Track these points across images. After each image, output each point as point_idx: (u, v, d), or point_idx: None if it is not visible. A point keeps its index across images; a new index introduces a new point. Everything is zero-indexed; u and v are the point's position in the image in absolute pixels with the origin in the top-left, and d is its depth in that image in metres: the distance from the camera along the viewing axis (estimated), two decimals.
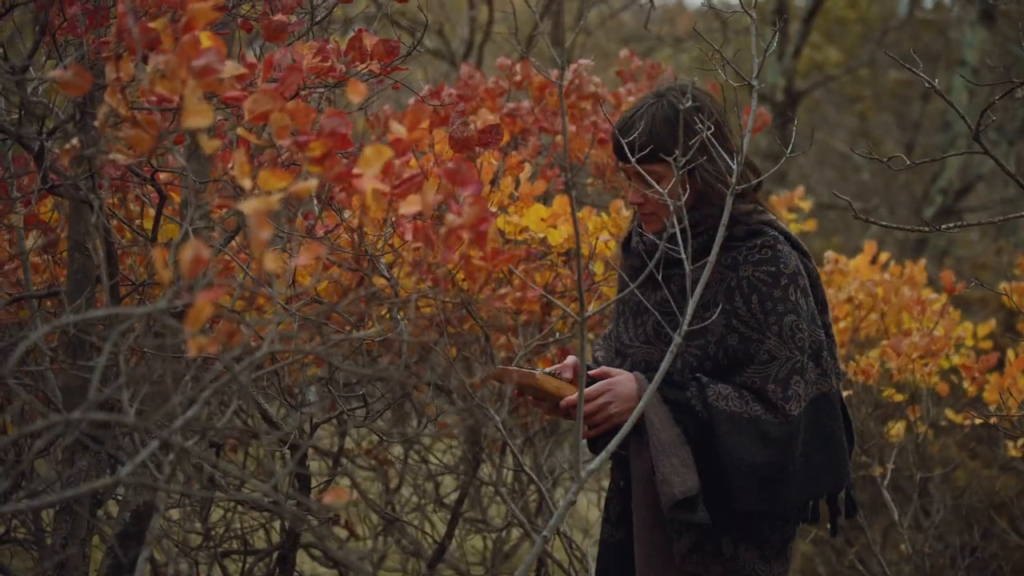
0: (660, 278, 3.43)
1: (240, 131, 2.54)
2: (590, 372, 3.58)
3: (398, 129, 2.66)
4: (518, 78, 5.39)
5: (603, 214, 4.88)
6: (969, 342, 6.38)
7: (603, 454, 3.07)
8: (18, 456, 3.54)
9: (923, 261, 6.81)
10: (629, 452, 3.60)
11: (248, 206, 2.16)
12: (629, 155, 3.50)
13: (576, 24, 11.19)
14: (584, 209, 4.96)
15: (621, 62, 6.22)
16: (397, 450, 6.48)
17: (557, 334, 4.75)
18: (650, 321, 3.65)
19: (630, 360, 3.69)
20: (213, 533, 4.88)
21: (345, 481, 5.90)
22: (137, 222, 4.13)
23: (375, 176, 2.41)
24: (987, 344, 6.38)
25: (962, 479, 7.14)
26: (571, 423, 3.88)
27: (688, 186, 3.51)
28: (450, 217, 2.55)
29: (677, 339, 3.12)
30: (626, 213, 4.85)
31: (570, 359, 3.69)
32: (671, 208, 3.45)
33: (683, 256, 3.16)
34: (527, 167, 4.48)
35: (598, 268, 4.68)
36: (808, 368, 3.56)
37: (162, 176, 3.75)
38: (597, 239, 4.65)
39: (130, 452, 3.54)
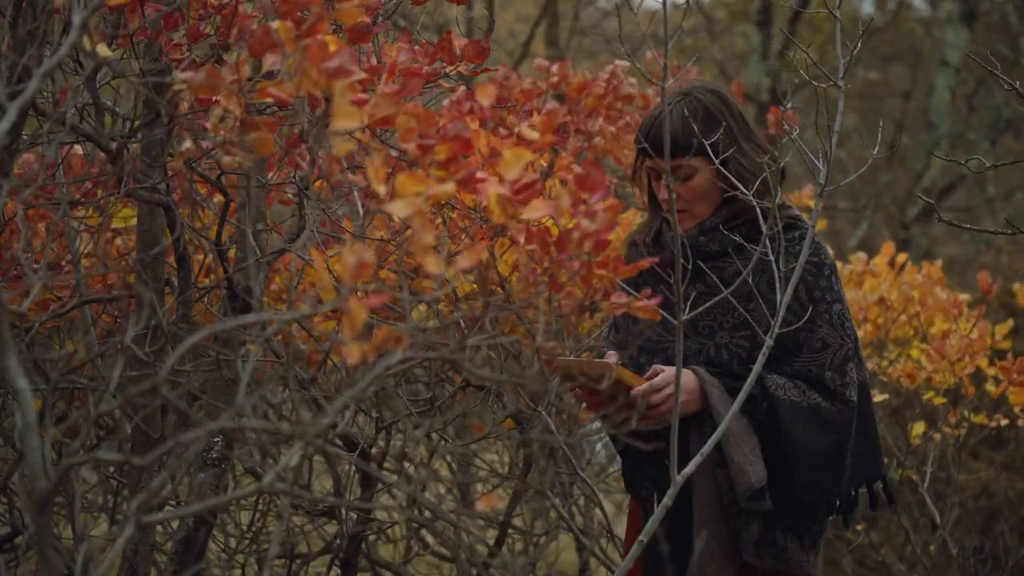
0: (695, 271, 3.46)
1: (360, 136, 2.51)
2: (646, 375, 3.55)
3: (530, 133, 2.64)
4: (555, 79, 5.36)
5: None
6: (988, 342, 6.40)
7: (697, 457, 3.06)
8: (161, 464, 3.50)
9: (939, 262, 6.82)
10: (689, 449, 3.57)
11: (399, 207, 2.14)
12: (681, 149, 3.51)
13: (572, 25, 11.20)
14: (629, 211, 4.94)
15: (647, 63, 6.21)
16: (423, 453, 6.45)
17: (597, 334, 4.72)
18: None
19: (661, 355, 3.68)
20: (258, 537, 4.85)
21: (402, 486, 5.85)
22: (199, 225, 4.09)
23: (507, 180, 2.40)
24: (1006, 344, 6.40)
25: (973, 481, 7.16)
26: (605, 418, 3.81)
27: (718, 182, 3.56)
28: (583, 222, 2.53)
29: (769, 341, 3.13)
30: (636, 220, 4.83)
31: (611, 354, 3.67)
32: (710, 203, 3.51)
33: (717, 249, 3.18)
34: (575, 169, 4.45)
35: None
36: (856, 356, 3.63)
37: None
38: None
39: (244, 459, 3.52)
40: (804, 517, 3.64)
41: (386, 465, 5.72)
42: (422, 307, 4.72)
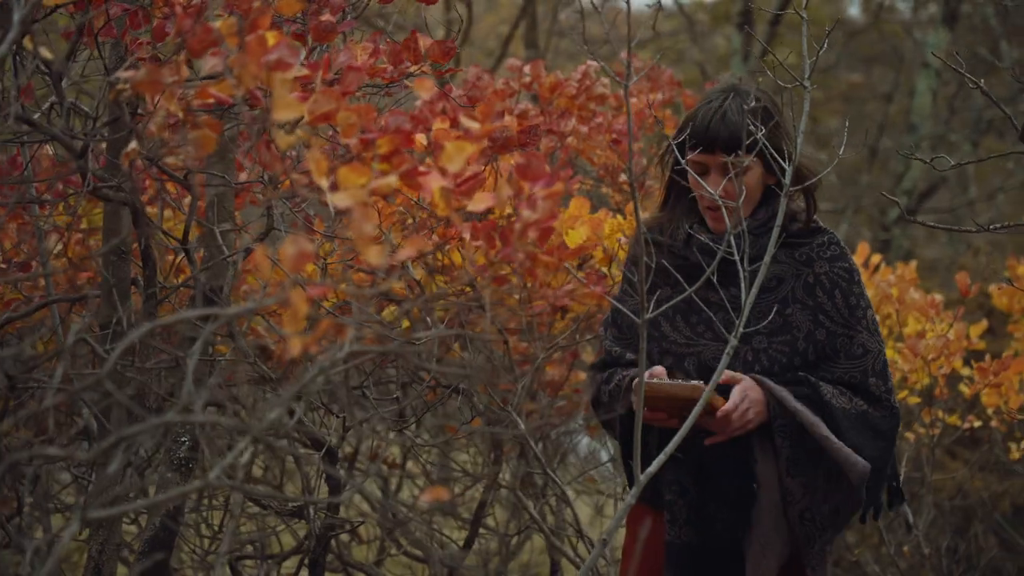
0: (727, 275, 3.42)
1: (302, 133, 2.51)
2: (719, 381, 3.52)
3: (470, 124, 2.63)
4: (527, 79, 5.37)
5: (619, 216, 4.85)
6: (963, 342, 6.40)
7: (661, 456, 3.05)
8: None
9: (914, 262, 6.83)
10: (753, 458, 3.55)
11: (341, 199, 2.14)
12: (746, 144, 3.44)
13: (551, 27, 11.20)
14: (601, 211, 4.94)
15: (621, 63, 6.20)
16: (396, 454, 6.44)
17: (577, 336, 4.73)
18: (718, 319, 3.54)
19: (692, 359, 3.63)
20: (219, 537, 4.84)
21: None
22: (159, 224, 4.08)
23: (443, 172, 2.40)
24: (981, 345, 6.40)
25: (948, 481, 7.18)
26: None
27: (764, 181, 3.53)
28: (525, 212, 2.53)
29: (732, 340, 3.10)
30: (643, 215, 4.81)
31: (657, 368, 3.57)
32: (752, 201, 3.49)
33: (736, 256, 3.14)
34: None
35: (615, 271, 4.65)
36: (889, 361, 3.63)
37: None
38: (617, 242, 4.63)
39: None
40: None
41: (359, 465, 5.72)
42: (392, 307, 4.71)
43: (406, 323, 4.41)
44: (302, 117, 2.37)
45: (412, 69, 3.24)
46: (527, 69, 5.38)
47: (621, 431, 3.76)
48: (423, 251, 2.16)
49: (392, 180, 2.26)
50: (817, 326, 3.55)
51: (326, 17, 3.24)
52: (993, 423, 5.88)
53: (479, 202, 2.46)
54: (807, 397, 3.50)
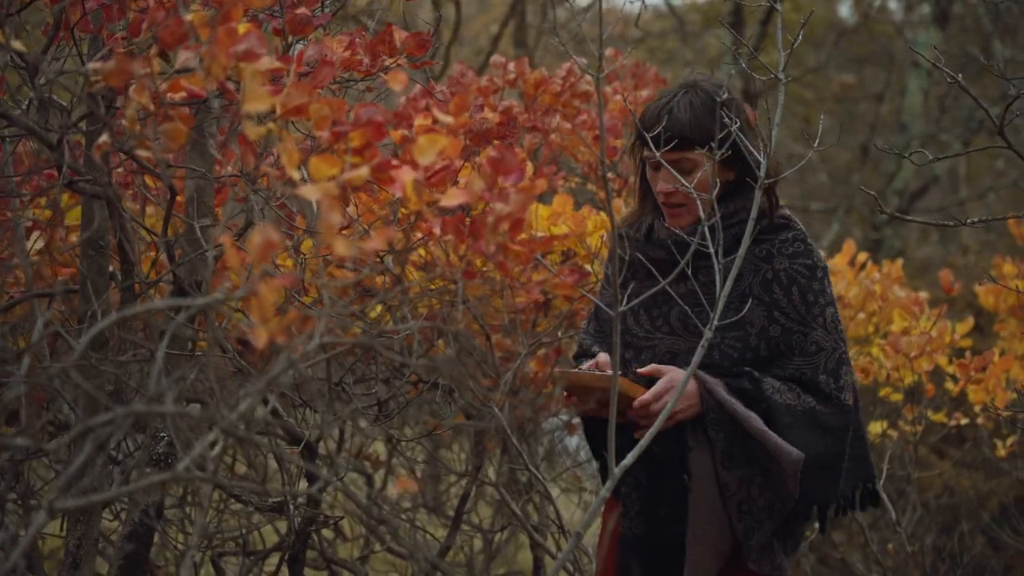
0: (690, 270, 3.41)
1: (273, 126, 2.50)
2: (640, 370, 3.54)
3: (443, 117, 2.63)
4: (511, 76, 5.36)
5: (602, 213, 4.85)
6: (947, 339, 6.41)
7: (635, 450, 3.04)
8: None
9: (900, 260, 6.83)
10: (686, 450, 3.54)
11: (311, 190, 2.13)
12: (680, 143, 3.44)
13: (539, 25, 11.20)
14: (584, 208, 4.93)
15: (606, 60, 6.20)
16: (381, 451, 6.44)
17: (560, 332, 4.73)
18: (674, 313, 3.61)
19: (648, 352, 3.64)
20: (208, 533, 4.83)
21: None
22: (140, 219, 4.07)
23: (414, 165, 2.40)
24: (966, 343, 6.40)
25: (935, 480, 7.18)
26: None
27: (720, 177, 3.51)
28: (498, 206, 2.53)
29: (708, 333, 3.10)
30: (625, 211, 4.81)
31: (602, 356, 3.62)
32: (704, 198, 3.45)
33: (711, 249, 3.13)
34: (529, 165, 4.45)
35: (597, 267, 4.64)
36: (848, 359, 3.59)
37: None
38: (600, 239, 4.62)
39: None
40: (792, 521, 3.61)
41: (343, 461, 5.72)
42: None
43: (387, 319, 4.41)
44: (274, 109, 2.36)
45: (388, 62, 3.23)
46: (511, 66, 5.37)
47: (584, 424, 3.79)
48: (392, 242, 2.15)
49: (363, 172, 2.26)
50: (772, 322, 3.54)
51: (302, 10, 3.24)
52: (979, 420, 5.88)
53: (452, 197, 2.46)
54: (743, 391, 3.49)
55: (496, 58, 5.43)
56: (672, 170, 3.45)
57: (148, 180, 4.09)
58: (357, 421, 4.24)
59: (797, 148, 17.70)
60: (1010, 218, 3.55)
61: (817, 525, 3.77)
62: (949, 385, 5.93)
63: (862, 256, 6.70)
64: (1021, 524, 6.05)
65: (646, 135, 3.47)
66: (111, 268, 3.70)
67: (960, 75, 3.44)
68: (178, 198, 3.95)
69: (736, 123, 3.36)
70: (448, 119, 2.52)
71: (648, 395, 3.44)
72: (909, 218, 3.50)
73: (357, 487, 6.67)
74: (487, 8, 19.69)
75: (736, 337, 3.54)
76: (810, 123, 19.62)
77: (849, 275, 6.33)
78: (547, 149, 5.40)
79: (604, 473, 3.85)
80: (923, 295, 6.05)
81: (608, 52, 6.25)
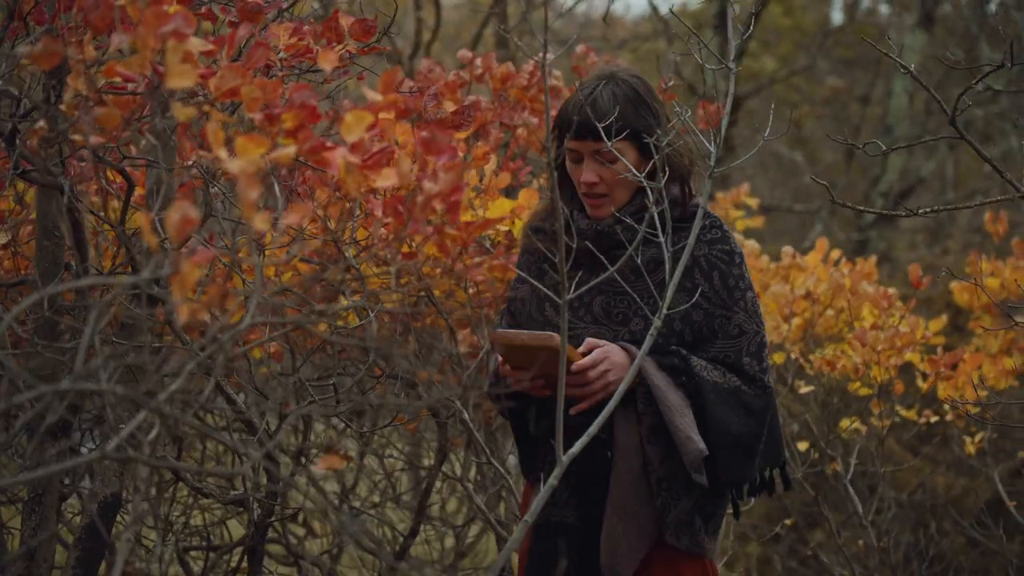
0: (639, 259, 3.43)
1: (208, 108, 2.51)
2: (579, 349, 3.55)
3: (372, 95, 2.64)
4: (479, 71, 5.37)
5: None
6: (918, 335, 6.42)
7: (584, 437, 3.04)
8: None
9: (873, 258, 6.84)
10: (614, 423, 3.56)
11: (234, 165, 2.14)
12: (601, 132, 3.46)
13: (520, 26, 11.20)
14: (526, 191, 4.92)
15: (577, 57, 6.21)
16: (351, 448, 6.44)
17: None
18: (596, 302, 3.65)
19: (572, 343, 3.64)
20: (174, 528, 4.83)
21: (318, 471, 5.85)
22: (102, 213, 4.07)
23: (351, 147, 2.40)
24: (939, 340, 6.41)
25: (910, 477, 7.19)
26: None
27: (640, 168, 3.54)
28: (427, 185, 2.53)
29: (657, 322, 3.12)
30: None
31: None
32: (630, 188, 3.50)
33: (661, 238, 3.15)
34: (492, 159, 4.46)
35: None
36: (767, 343, 3.67)
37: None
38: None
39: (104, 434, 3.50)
40: (712, 501, 3.64)
41: (313, 457, 5.72)
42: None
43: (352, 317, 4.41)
44: (204, 91, 2.37)
45: (337, 49, 3.24)
46: (479, 61, 5.38)
47: (510, 413, 3.79)
48: (306, 217, 2.15)
49: (290, 150, 2.26)
50: (695, 308, 3.59)
51: None
52: (948, 417, 5.89)
53: (385, 178, 2.47)
54: (672, 367, 3.53)
55: (463, 53, 5.44)
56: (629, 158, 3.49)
57: (110, 173, 4.09)
58: (320, 413, 4.23)
59: (784, 150, 17.73)
60: (959, 208, 3.55)
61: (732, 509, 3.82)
62: (921, 382, 5.93)
63: (835, 253, 6.72)
64: (996, 523, 6.05)
65: (568, 127, 3.56)
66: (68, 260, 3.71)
67: (901, 62, 3.45)
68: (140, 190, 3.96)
69: (649, 113, 3.46)
70: (376, 97, 2.52)
71: (587, 360, 3.48)
72: (862, 208, 3.51)
73: (329, 483, 6.68)
74: (478, 17, 19.69)
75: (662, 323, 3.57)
76: (801, 126, 19.66)
77: (820, 271, 6.34)
78: (514, 143, 5.41)
79: (527, 459, 3.85)
80: (892, 291, 6.05)
81: (580, 49, 6.27)
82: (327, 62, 2.46)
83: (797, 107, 20.11)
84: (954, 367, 5.73)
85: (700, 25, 18.05)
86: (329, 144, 2.43)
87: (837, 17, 21.47)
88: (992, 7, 15.66)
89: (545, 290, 3.13)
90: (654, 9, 11.76)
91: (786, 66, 19.11)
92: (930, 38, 14.95)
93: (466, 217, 4.34)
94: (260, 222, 2.04)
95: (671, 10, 3.65)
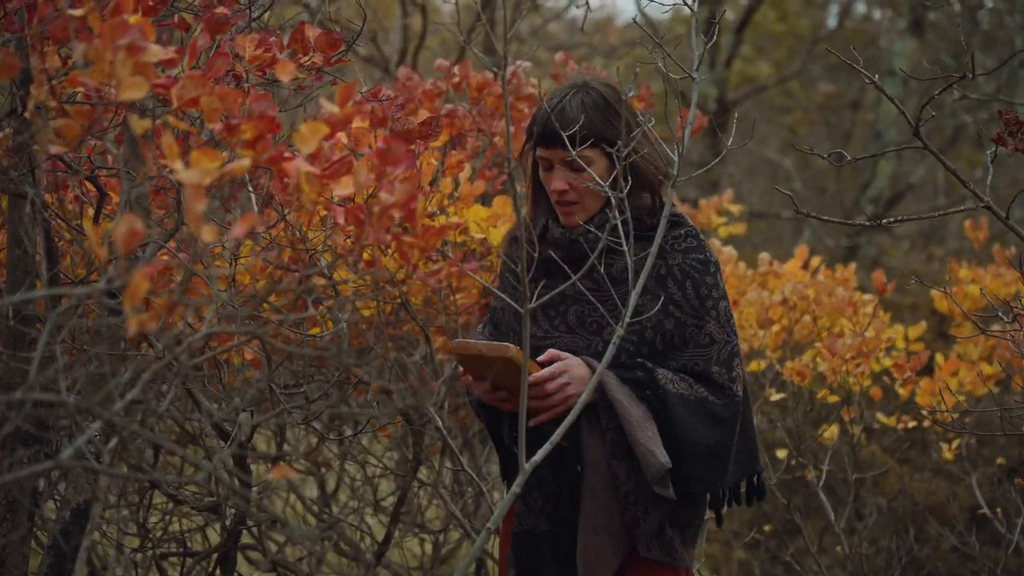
0: (602, 267, 3.45)
1: (169, 119, 2.53)
2: (539, 359, 3.56)
3: (329, 107, 2.66)
4: (456, 80, 5.40)
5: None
6: (900, 344, 6.45)
7: (547, 445, 3.06)
8: None
9: (853, 265, 6.88)
10: (581, 439, 3.58)
11: (184, 176, 2.16)
12: (566, 141, 3.48)
13: (508, 33, 11.20)
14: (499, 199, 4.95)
15: (556, 65, 6.24)
16: (334, 454, 6.45)
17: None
18: (570, 311, 3.67)
19: (544, 351, 3.67)
20: (151, 535, 4.85)
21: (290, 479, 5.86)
22: (76, 222, 4.09)
23: (309, 157, 2.43)
24: (918, 347, 6.43)
25: (894, 483, 7.21)
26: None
27: (610, 175, 3.55)
28: (383, 195, 2.55)
29: (620, 331, 3.13)
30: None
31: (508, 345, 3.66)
32: (601, 195, 3.52)
33: (624, 246, 3.17)
34: (467, 167, 4.49)
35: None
36: (739, 353, 3.66)
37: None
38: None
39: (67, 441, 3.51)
40: (687, 511, 3.65)
41: (295, 465, 5.74)
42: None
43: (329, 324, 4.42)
44: (169, 101, 2.39)
45: (303, 60, 3.26)
46: (456, 69, 5.41)
47: (486, 417, 3.82)
48: (254, 228, 2.17)
49: (245, 163, 2.28)
50: (666, 316, 3.60)
51: (220, 9, 3.26)
52: (926, 423, 5.91)
53: (343, 187, 2.50)
54: (636, 380, 3.55)
55: (440, 61, 5.47)
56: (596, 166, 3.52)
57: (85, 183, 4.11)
58: (291, 422, 4.25)
59: (773, 156, 17.76)
60: (931, 217, 3.58)
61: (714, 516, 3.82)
62: (900, 388, 5.95)
63: (815, 260, 6.75)
64: (976, 529, 6.07)
65: (539, 135, 3.62)
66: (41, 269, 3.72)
67: (865, 73, 3.47)
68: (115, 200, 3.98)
69: (619, 121, 3.48)
70: (333, 108, 2.55)
71: (545, 372, 3.50)
72: (824, 218, 3.53)
73: (309, 490, 6.70)
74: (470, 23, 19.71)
75: (631, 331, 3.59)
76: (795, 133, 19.70)
77: (799, 278, 6.37)
78: (491, 151, 5.44)
79: (505, 467, 3.88)
80: (868, 296, 6.08)
81: (559, 57, 6.30)
82: (285, 73, 2.47)
83: (790, 113, 20.16)
84: (922, 372, 5.76)
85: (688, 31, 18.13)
86: (287, 155, 2.45)
87: (833, 23, 21.50)
88: (983, 14, 15.67)
89: (508, 300, 3.16)
90: (641, 14, 11.76)
91: (780, 72, 19.16)
92: (920, 44, 14.98)
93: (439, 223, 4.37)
94: (207, 234, 2.06)
95: (637, 16, 3.65)
